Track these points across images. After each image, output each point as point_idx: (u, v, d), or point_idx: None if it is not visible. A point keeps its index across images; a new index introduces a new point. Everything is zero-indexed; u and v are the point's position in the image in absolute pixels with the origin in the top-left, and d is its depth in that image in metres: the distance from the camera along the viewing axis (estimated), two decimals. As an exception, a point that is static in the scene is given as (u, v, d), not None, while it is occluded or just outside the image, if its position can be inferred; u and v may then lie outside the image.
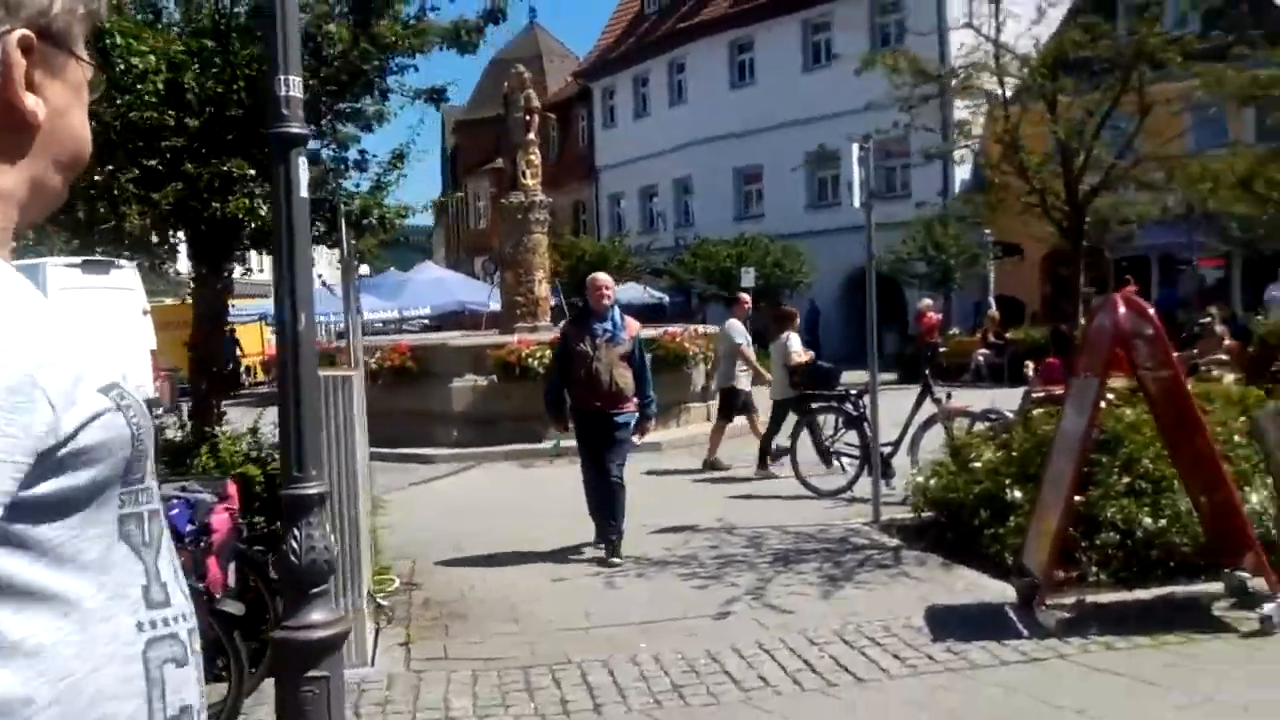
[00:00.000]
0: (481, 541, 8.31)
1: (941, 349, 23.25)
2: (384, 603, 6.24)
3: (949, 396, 9.90)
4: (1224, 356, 15.05)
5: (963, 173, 24.54)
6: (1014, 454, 7.36)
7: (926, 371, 10.43)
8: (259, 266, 15.27)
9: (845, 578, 6.84)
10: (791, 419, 10.59)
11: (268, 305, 31.81)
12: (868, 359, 8.60)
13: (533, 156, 16.38)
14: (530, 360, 13.24)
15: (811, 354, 11.41)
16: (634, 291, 32.22)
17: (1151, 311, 5.32)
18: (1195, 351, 16.39)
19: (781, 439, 10.67)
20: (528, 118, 16.20)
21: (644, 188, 39.58)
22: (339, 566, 4.66)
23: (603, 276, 7.91)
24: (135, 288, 14.57)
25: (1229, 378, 8.85)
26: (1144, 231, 23.03)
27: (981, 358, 21.83)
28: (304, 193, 3.62)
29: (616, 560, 7.44)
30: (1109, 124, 7.99)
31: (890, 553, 7.44)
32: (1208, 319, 15.04)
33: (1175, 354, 15.60)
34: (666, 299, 32.79)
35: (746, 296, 11.90)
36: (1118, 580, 6.26)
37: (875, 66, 7.85)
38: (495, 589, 6.99)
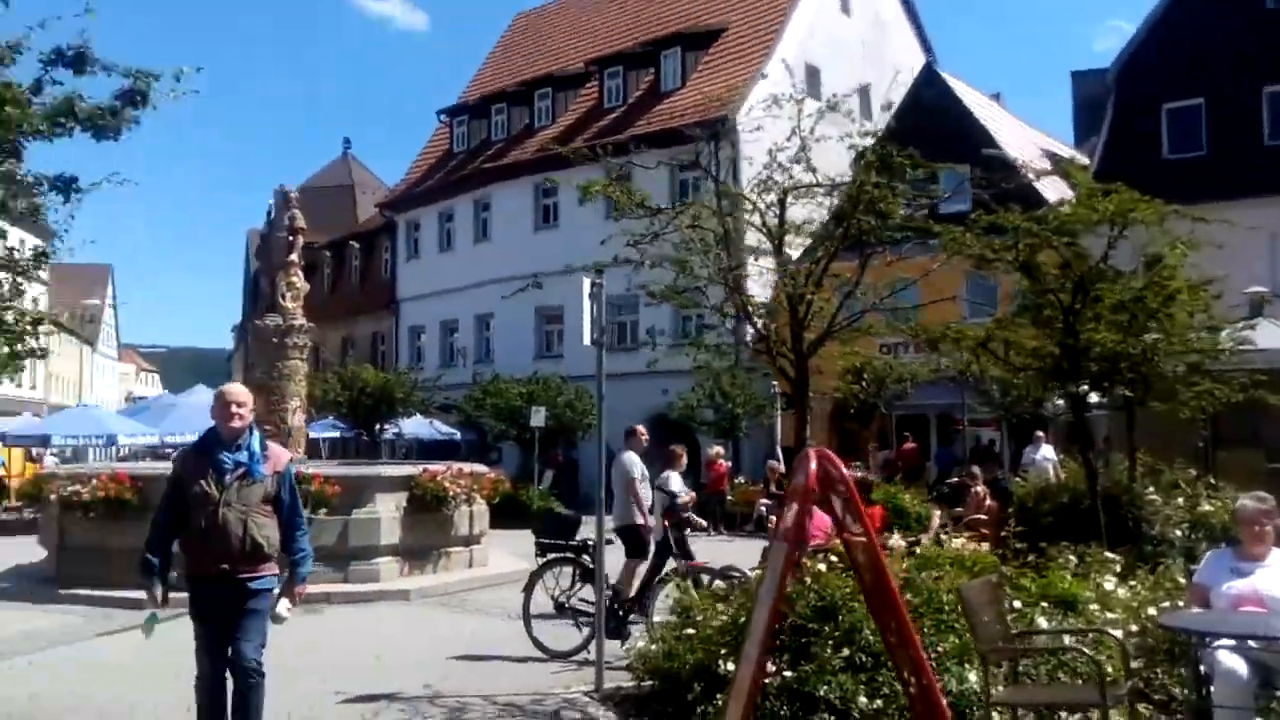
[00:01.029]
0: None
1: (729, 497, 23.18)
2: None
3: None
4: (983, 516, 15.22)
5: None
6: (735, 619, 6.74)
7: (666, 523, 9.84)
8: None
9: (535, 762, 5.98)
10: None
11: (12, 422, 29.04)
12: (597, 508, 7.96)
13: (294, 279, 15.45)
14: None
15: (694, 495, 10.93)
16: (420, 426, 31.06)
17: (845, 469, 4.85)
18: (961, 510, 16.58)
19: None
20: (290, 238, 15.33)
21: (445, 322, 38.84)
22: None
23: (235, 389, 5.75)
24: None
25: (958, 541, 8.59)
26: (920, 391, 23.90)
27: (764, 508, 21.82)
28: None
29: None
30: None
31: (597, 730, 6.64)
32: (956, 480, 15.21)
33: (937, 512, 15.58)
34: (459, 435, 31.74)
35: (643, 429, 10.88)
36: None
37: (595, 196, 7.51)
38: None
